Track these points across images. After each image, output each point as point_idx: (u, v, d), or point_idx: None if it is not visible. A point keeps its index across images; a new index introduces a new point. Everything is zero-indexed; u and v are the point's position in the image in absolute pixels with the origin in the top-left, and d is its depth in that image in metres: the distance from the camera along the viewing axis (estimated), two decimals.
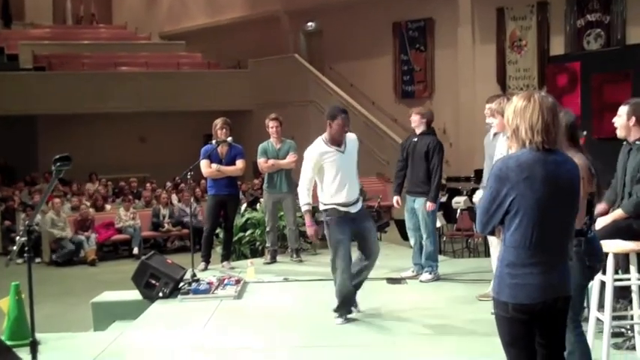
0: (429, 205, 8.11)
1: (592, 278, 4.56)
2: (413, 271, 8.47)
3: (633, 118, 5.49)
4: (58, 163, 4.53)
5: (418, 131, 8.28)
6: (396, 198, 8.55)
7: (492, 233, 3.64)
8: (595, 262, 4.36)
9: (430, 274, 8.29)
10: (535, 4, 18.27)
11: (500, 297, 3.52)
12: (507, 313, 3.48)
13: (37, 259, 14.37)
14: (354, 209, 6.66)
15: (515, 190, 3.41)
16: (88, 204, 16.26)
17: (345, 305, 6.71)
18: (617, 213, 5.52)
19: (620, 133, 5.60)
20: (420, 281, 8.27)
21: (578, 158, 3.96)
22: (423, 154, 8.12)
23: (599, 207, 5.42)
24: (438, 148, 8.15)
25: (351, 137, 6.84)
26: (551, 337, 3.57)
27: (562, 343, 3.64)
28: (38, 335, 6.17)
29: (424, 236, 8.27)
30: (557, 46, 17.68)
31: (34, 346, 4.74)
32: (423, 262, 8.35)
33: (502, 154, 6.21)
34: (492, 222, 3.53)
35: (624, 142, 5.65)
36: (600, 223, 5.67)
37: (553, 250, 3.48)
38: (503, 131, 6.29)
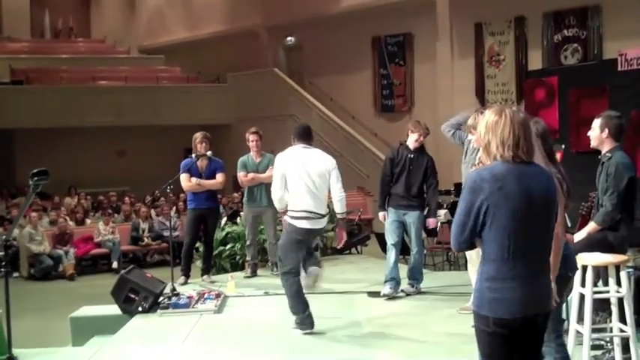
0: (431, 222, 8.35)
1: (567, 287, 4.59)
2: (391, 288, 8.22)
3: (606, 130, 5.61)
4: (36, 178, 4.51)
5: (413, 147, 8.21)
6: (382, 213, 8.39)
7: (468, 248, 3.60)
8: (567, 270, 4.39)
9: (413, 287, 8.30)
10: (512, 19, 18.41)
11: (480, 311, 3.51)
12: (488, 327, 3.47)
13: (15, 274, 14.24)
14: (318, 225, 6.94)
15: (489, 200, 3.42)
16: (67, 218, 16.16)
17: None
18: (591, 226, 5.61)
19: (593, 144, 5.73)
20: (402, 291, 8.24)
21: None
22: (422, 171, 8.16)
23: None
24: (434, 165, 8.28)
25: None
26: (527, 353, 3.56)
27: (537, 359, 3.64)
28: (16, 351, 6.14)
29: (415, 250, 8.24)
30: (535, 61, 17.82)
31: None
32: (408, 274, 8.32)
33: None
34: (467, 235, 3.50)
35: (599, 157, 5.75)
36: (577, 236, 5.74)
37: (533, 263, 3.48)
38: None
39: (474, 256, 7.05)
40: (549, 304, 3.59)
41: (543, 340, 3.69)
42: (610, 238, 5.52)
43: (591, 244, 5.48)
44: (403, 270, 8.46)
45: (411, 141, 8.21)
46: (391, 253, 8.34)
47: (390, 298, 8.17)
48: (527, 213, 3.43)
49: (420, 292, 8.33)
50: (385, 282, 8.24)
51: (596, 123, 5.69)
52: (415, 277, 8.34)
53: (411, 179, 8.17)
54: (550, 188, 3.56)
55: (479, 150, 6.99)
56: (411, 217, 8.18)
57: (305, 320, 6.68)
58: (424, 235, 11.10)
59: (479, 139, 3.69)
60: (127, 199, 18.38)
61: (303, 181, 6.64)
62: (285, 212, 6.79)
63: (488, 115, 3.59)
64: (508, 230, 3.41)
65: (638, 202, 5.71)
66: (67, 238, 14.96)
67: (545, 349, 4.36)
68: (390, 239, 8.30)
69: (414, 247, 8.25)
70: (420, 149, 8.23)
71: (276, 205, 6.90)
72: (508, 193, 3.41)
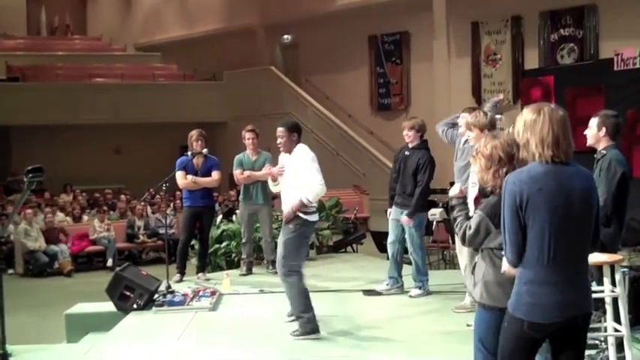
0: (404, 219, 8.02)
1: None
2: (387, 284, 8.35)
3: (604, 129, 5.62)
4: (31, 175, 4.50)
5: (412, 145, 8.18)
6: (389, 210, 8.39)
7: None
8: None
9: (420, 289, 8.14)
10: (509, 18, 18.41)
11: (515, 313, 3.48)
12: (520, 330, 3.45)
13: (10, 271, 14.21)
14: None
15: (531, 202, 3.38)
16: (61, 215, 16.14)
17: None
18: None
19: (590, 142, 5.74)
20: (410, 296, 8.12)
21: None
22: (412, 171, 8.03)
23: None
24: (427, 164, 8.04)
25: (299, 153, 6.78)
26: (571, 354, 3.54)
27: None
28: (10, 347, 6.13)
29: (410, 250, 8.13)
30: (532, 60, 17.82)
31: (4, 359, 4.69)
32: (414, 276, 8.22)
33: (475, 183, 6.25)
34: (518, 242, 3.45)
35: (595, 155, 5.75)
36: None
37: (572, 266, 3.44)
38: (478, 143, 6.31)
39: (464, 251, 7.03)
40: (589, 306, 3.56)
41: (585, 342, 3.66)
42: (602, 238, 5.51)
43: None
44: (408, 269, 8.42)
45: (407, 141, 8.24)
46: (388, 252, 8.41)
47: (387, 295, 8.21)
48: (567, 215, 3.40)
49: (429, 294, 8.15)
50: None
51: (594, 121, 5.69)
52: (419, 278, 8.17)
53: (405, 177, 8.15)
54: (590, 188, 3.52)
55: (465, 152, 7.04)
56: (404, 216, 8.14)
57: (314, 319, 6.57)
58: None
59: (515, 137, 3.64)
60: (122, 196, 18.38)
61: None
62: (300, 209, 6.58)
63: (527, 114, 3.55)
64: (548, 233, 3.38)
65: (631, 202, 5.71)
66: (57, 234, 14.89)
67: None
68: (388, 237, 8.37)
69: (409, 247, 8.16)
70: (418, 147, 8.16)
71: (315, 199, 6.64)
72: (547, 195, 3.38)
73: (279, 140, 6.78)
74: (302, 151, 6.72)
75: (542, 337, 3.46)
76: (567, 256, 3.42)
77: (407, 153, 8.19)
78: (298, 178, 6.63)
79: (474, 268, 4.04)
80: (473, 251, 4.08)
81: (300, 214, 6.55)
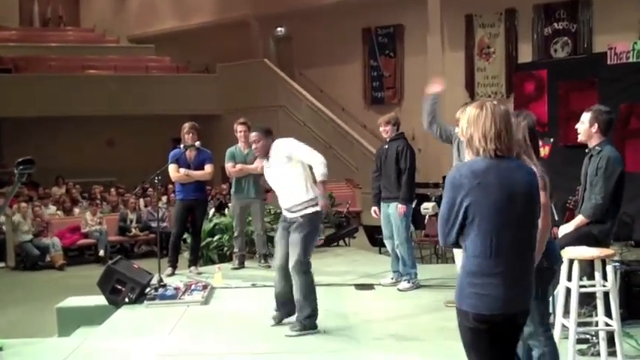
0: (399, 208, 8.00)
1: (552, 280, 4.59)
2: (392, 279, 8.39)
3: (596, 125, 5.61)
4: (21, 167, 4.45)
5: (389, 138, 8.25)
6: (374, 208, 8.47)
7: (456, 245, 3.57)
8: (552, 263, 4.39)
9: (409, 282, 8.15)
10: (503, 11, 18.43)
11: (461, 306, 3.52)
12: (468, 322, 3.48)
13: (1, 264, 14.18)
14: (288, 215, 6.64)
15: (470, 196, 3.42)
16: (53, 208, 16.08)
17: (276, 305, 6.81)
18: (579, 219, 5.61)
19: (581, 138, 5.73)
20: (398, 289, 8.15)
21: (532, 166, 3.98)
22: (394, 159, 8.07)
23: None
24: (406, 150, 8.08)
25: (276, 149, 6.64)
26: (505, 349, 3.57)
27: (512, 357, 3.64)
28: (1, 341, 6.12)
29: (396, 243, 8.15)
30: (525, 54, 17.85)
31: None
32: (401, 269, 8.25)
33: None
34: (453, 231, 3.51)
35: (586, 150, 5.75)
36: (563, 230, 5.75)
37: (515, 260, 3.47)
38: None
39: (458, 251, 7.03)
40: (528, 302, 3.59)
41: (518, 340, 3.70)
42: (595, 231, 5.53)
43: (576, 238, 5.49)
44: None
45: (384, 136, 8.33)
46: (388, 247, 8.49)
47: (375, 289, 8.30)
48: (509, 209, 3.43)
49: (418, 287, 8.17)
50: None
51: (586, 117, 5.68)
52: (408, 271, 8.19)
53: (387, 170, 8.18)
54: (532, 182, 3.55)
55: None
56: (391, 209, 8.16)
57: (315, 318, 6.56)
58: (412, 227, 11.15)
59: (460, 135, 3.71)
60: (112, 190, 18.32)
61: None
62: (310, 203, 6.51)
63: (470, 109, 3.60)
64: (490, 227, 3.41)
65: (622, 196, 5.72)
66: (45, 226, 14.82)
67: (534, 342, 4.37)
68: (383, 233, 8.43)
69: (395, 239, 8.17)
70: (395, 138, 8.20)
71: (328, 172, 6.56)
72: (488, 189, 3.41)
73: (254, 146, 6.72)
74: (281, 143, 6.63)
75: (488, 328, 3.45)
76: (509, 249, 3.45)
77: (386, 147, 8.29)
78: (292, 165, 6.52)
79: None
80: None
81: (309, 209, 6.47)
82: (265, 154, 6.67)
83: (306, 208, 6.48)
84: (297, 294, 6.54)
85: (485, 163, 3.46)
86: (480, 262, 3.45)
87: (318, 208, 6.50)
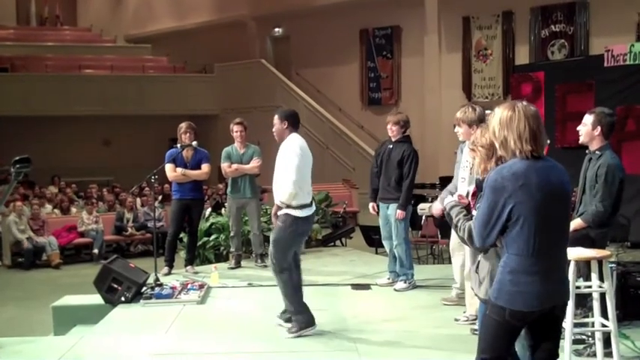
0: (398, 214, 7.97)
1: None
2: (389, 279, 8.38)
3: (599, 128, 5.59)
4: (18, 165, 4.45)
5: (394, 139, 8.18)
6: (371, 204, 8.42)
7: (492, 246, 3.64)
8: None
9: (405, 282, 8.13)
10: (500, 13, 18.46)
11: (497, 301, 3.56)
12: (501, 318, 3.54)
13: None
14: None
15: (514, 198, 3.46)
16: (49, 207, 16.06)
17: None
18: (577, 222, 5.59)
19: (582, 140, 5.70)
20: (395, 290, 8.14)
21: None
22: (397, 162, 8.03)
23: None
24: (412, 156, 8.04)
25: (285, 142, 6.54)
26: (543, 341, 3.65)
27: (555, 349, 3.70)
28: None
29: (394, 243, 8.12)
30: (522, 56, 17.89)
31: None
32: (398, 270, 8.24)
33: (468, 161, 6.24)
34: (493, 234, 3.55)
35: (587, 152, 5.74)
36: None
37: (554, 257, 3.55)
38: (468, 139, 6.30)
39: (456, 247, 7.03)
40: (566, 295, 3.68)
41: (560, 331, 3.75)
42: (592, 234, 5.54)
43: (573, 240, 5.49)
44: None
45: (391, 135, 8.25)
46: (385, 248, 8.45)
47: (371, 288, 8.30)
48: (550, 208, 3.49)
49: (415, 287, 8.16)
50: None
51: (589, 119, 5.65)
52: (404, 272, 8.17)
53: (388, 171, 8.14)
54: (567, 182, 3.61)
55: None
56: (390, 210, 8.12)
57: (308, 312, 6.48)
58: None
59: (491, 137, 3.71)
60: (108, 189, 18.29)
61: (309, 168, 6.53)
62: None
63: (501, 111, 3.61)
64: (534, 227, 3.46)
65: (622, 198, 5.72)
66: (42, 225, 14.79)
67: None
68: (382, 234, 8.39)
69: (394, 239, 8.14)
70: (401, 140, 8.17)
71: (289, 199, 6.29)
72: (530, 190, 3.45)
73: (273, 129, 6.70)
74: (290, 142, 6.49)
75: (522, 325, 3.57)
76: (548, 247, 3.52)
77: (390, 146, 8.21)
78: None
79: (477, 267, 4.02)
80: (474, 251, 4.08)
81: (288, 211, 6.35)
82: (279, 138, 6.58)
83: (287, 207, 6.37)
84: (280, 292, 6.56)
85: (525, 165, 3.50)
86: (522, 260, 3.51)
87: (297, 213, 6.33)
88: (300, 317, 6.46)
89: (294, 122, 6.58)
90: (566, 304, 3.72)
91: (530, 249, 3.48)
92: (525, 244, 3.48)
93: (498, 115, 3.61)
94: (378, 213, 8.37)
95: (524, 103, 3.63)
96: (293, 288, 6.49)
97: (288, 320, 6.60)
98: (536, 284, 3.48)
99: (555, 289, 3.55)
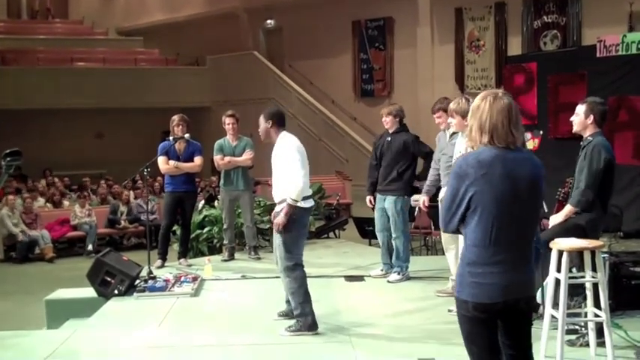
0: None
1: (538, 262, 4.60)
2: (382, 270, 8.39)
3: (591, 116, 5.65)
4: (9, 158, 4.43)
5: (391, 130, 8.20)
6: (369, 197, 8.41)
7: (457, 231, 3.61)
8: (537, 244, 4.40)
9: (399, 274, 8.15)
10: (493, 4, 18.44)
11: (460, 295, 3.53)
12: (468, 312, 3.49)
13: None
14: (277, 208, 6.39)
15: (474, 186, 3.43)
16: (41, 201, 16.03)
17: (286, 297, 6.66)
18: (568, 208, 5.65)
19: (576, 129, 5.75)
20: (388, 281, 8.14)
21: None
22: (399, 151, 8.03)
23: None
24: (416, 140, 8.13)
25: (279, 140, 6.43)
26: (514, 337, 3.59)
27: (526, 342, 3.64)
28: None
29: (393, 235, 8.11)
30: (515, 47, 17.87)
31: None
32: (393, 261, 8.25)
33: (461, 152, 6.25)
34: (454, 219, 3.53)
35: (581, 143, 5.77)
36: (553, 220, 5.77)
37: (515, 249, 3.48)
38: (462, 130, 6.32)
39: (449, 241, 7.05)
40: (532, 289, 3.61)
41: (531, 324, 3.69)
42: (581, 221, 5.56)
43: (565, 229, 5.51)
44: None
45: (386, 127, 8.26)
46: (379, 239, 8.44)
47: (365, 280, 8.32)
48: (512, 200, 3.44)
49: (408, 279, 8.17)
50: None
51: (581, 109, 5.70)
52: (399, 264, 8.17)
53: (387, 162, 8.15)
54: (537, 175, 3.55)
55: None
56: (388, 202, 8.11)
57: (313, 314, 6.36)
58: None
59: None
60: (102, 182, 18.26)
61: (307, 162, 6.46)
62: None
63: (475, 100, 3.62)
64: (492, 217, 3.42)
65: (615, 188, 5.73)
66: (34, 219, 14.76)
67: None
68: (376, 226, 8.38)
69: (392, 232, 8.14)
70: (399, 130, 8.18)
71: (299, 196, 6.17)
72: (492, 179, 3.42)
73: (259, 129, 6.62)
74: (285, 141, 6.38)
75: (488, 317, 3.48)
76: (510, 239, 3.46)
77: (389, 139, 8.19)
78: (281, 162, 6.33)
79: None
80: None
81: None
82: (265, 138, 6.48)
83: (294, 201, 6.32)
84: (287, 290, 6.47)
85: (492, 153, 3.46)
86: (480, 251, 3.47)
87: (302, 204, 6.23)
88: (303, 319, 6.32)
89: (279, 121, 6.45)
90: (531, 298, 3.65)
91: (488, 240, 3.43)
92: (483, 235, 3.44)
93: (473, 103, 3.62)
94: (374, 207, 8.38)
95: (500, 94, 3.58)
96: (302, 285, 6.32)
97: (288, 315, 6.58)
98: (497, 276, 3.43)
99: (519, 281, 3.48)
